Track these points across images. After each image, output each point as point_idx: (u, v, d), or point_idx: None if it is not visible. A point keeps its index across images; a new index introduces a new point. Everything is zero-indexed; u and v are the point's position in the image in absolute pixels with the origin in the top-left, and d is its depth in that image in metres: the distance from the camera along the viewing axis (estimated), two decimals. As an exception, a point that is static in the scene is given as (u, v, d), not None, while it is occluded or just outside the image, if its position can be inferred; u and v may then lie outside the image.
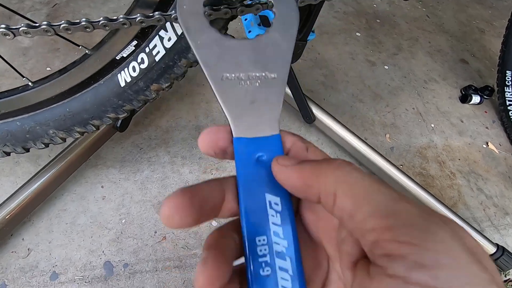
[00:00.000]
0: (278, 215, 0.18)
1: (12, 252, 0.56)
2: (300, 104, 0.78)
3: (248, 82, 0.20)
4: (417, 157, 0.88)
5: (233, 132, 0.19)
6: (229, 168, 0.74)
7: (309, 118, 0.80)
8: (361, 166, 0.81)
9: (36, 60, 0.85)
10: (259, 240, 0.17)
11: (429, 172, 0.85)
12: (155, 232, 0.62)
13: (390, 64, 1.11)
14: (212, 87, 0.20)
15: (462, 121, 1.01)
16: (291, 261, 0.17)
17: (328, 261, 0.18)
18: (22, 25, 0.28)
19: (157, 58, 0.33)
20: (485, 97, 1.05)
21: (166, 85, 0.35)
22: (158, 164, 0.72)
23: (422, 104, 1.02)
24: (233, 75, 0.20)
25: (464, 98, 1.05)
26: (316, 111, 0.79)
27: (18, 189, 0.58)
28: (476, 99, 1.04)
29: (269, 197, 0.18)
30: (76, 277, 0.55)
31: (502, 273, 0.70)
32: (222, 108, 0.20)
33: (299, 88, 0.75)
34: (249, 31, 0.56)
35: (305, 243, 0.18)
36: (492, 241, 0.73)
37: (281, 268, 0.16)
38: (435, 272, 0.12)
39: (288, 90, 0.79)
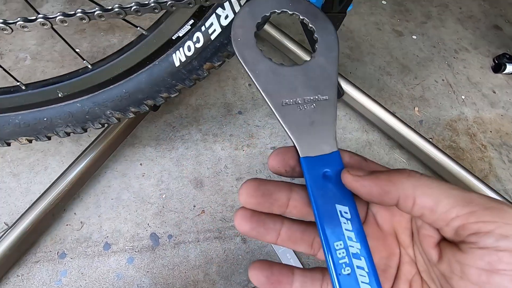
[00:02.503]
0: (349, 222, 0.20)
1: (67, 225, 0.61)
2: (329, 78, 0.77)
3: (305, 105, 0.23)
4: (447, 130, 0.87)
5: (299, 152, 0.22)
6: (259, 145, 0.76)
7: (338, 93, 0.79)
8: (391, 140, 0.81)
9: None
10: (337, 245, 0.20)
11: (459, 145, 0.84)
12: (194, 206, 0.66)
13: (418, 33, 1.07)
14: (275, 112, 0.22)
15: (495, 92, 0.97)
16: (365, 260, 0.20)
17: (399, 248, 0.21)
18: (97, 8, 0.29)
19: (212, 37, 0.33)
20: (520, 65, 1.00)
21: (219, 63, 0.35)
22: (191, 141, 0.74)
23: (452, 75, 0.99)
24: (291, 100, 0.22)
25: (498, 68, 1.01)
26: (345, 85, 0.78)
27: (67, 168, 0.61)
28: (510, 68, 0.99)
29: (339, 207, 0.21)
30: (126, 247, 0.60)
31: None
32: (286, 131, 0.22)
33: (328, 62, 0.74)
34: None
35: (377, 236, 0.22)
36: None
37: (358, 267, 0.20)
38: None
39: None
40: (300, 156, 0.21)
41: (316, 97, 0.23)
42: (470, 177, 0.71)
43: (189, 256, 0.61)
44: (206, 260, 0.61)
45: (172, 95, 0.39)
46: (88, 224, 0.61)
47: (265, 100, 0.22)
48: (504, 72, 1.00)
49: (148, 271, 0.58)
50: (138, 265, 0.59)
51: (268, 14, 0.24)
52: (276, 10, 0.24)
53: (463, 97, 0.94)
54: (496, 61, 1.03)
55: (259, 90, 0.22)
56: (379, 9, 1.11)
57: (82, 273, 0.57)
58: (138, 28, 0.36)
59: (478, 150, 0.84)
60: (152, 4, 0.29)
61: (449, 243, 0.19)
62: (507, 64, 0.99)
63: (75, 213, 0.63)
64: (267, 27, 0.85)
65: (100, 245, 0.60)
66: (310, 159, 0.21)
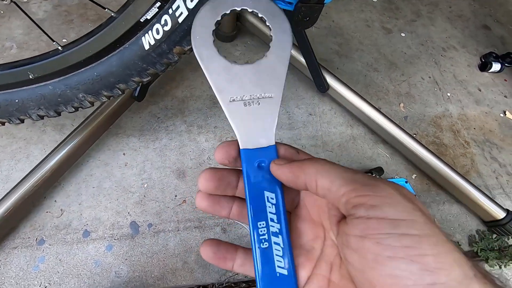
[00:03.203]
0: (273, 206, 0.24)
1: (47, 212, 0.61)
2: (314, 73, 0.78)
3: (251, 102, 0.24)
4: (431, 126, 0.87)
5: (240, 145, 0.24)
6: (243, 137, 0.76)
7: (322, 87, 0.80)
8: (374, 135, 0.82)
9: (51, 31, 0.86)
10: (260, 224, 0.24)
11: (442, 141, 0.85)
12: (175, 196, 0.66)
13: (407, 31, 1.07)
14: (223, 107, 0.24)
15: (480, 90, 0.98)
16: (282, 238, 0.24)
17: (324, 232, 0.24)
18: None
19: (180, 20, 0.33)
20: (506, 64, 1.01)
21: (188, 47, 0.36)
22: (175, 132, 0.74)
23: (439, 73, 1.00)
24: (239, 97, 0.24)
25: (484, 66, 1.02)
26: (330, 80, 0.79)
27: (48, 155, 0.61)
28: (496, 66, 1.00)
29: (267, 194, 0.24)
30: (105, 234, 0.60)
31: (510, 237, 0.72)
32: (231, 125, 0.24)
33: (313, 57, 0.75)
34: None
35: (308, 220, 0.25)
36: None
37: (275, 243, 0.24)
38: (382, 208, 0.19)
39: (302, 59, 0.79)
40: (240, 148, 0.24)
41: (262, 94, 0.25)
42: (451, 172, 0.72)
43: (168, 245, 0.61)
44: (185, 248, 0.61)
45: (144, 80, 0.39)
46: (68, 212, 0.62)
47: (215, 96, 0.24)
48: (490, 71, 1.02)
49: (126, 259, 0.59)
50: (116, 252, 0.59)
51: (228, 12, 0.24)
52: (236, 8, 0.24)
53: (448, 94, 0.95)
54: (483, 60, 1.04)
55: (212, 86, 0.24)
56: (369, 7, 1.11)
57: (60, 260, 0.57)
58: (106, 9, 0.36)
59: (461, 146, 0.85)
60: None
61: (344, 219, 0.21)
62: (493, 63, 1.00)
63: (55, 201, 0.63)
64: (256, 21, 0.85)
65: (80, 233, 0.60)
66: (248, 151, 0.24)
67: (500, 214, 0.69)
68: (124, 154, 0.70)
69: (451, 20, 1.15)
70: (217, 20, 0.24)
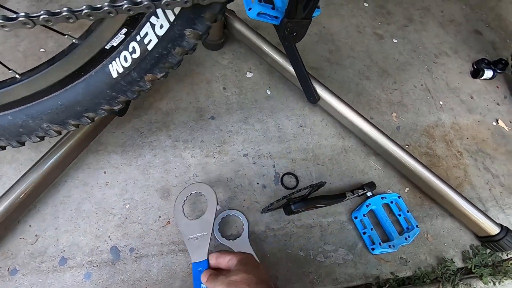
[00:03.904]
0: None
1: (21, 238, 0.58)
2: (304, 84, 0.75)
3: (198, 238, 0.52)
4: (423, 136, 0.86)
5: (192, 259, 0.50)
6: (231, 152, 0.73)
7: (313, 98, 0.77)
8: (367, 147, 0.79)
9: (29, 41, 0.82)
10: None
11: (435, 152, 0.84)
12: (159, 217, 0.63)
13: (399, 37, 1.05)
14: (184, 241, 0.52)
15: (473, 98, 0.97)
16: None
17: None
18: (-1, 18, 0.26)
19: (149, 47, 0.30)
20: (498, 71, 1.00)
21: (161, 75, 0.33)
22: (160, 148, 0.71)
23: (431, 80, 0.98)
24: (192, 236, 0.52)
25: (476, 73, 1.00)
26: (320, 91, 0.76)
27: (22, 176, 0.57)
28: (488, 73, 0.99)
29: (203, 285, 0.46)
30: (84, 261, 0.57)
31: (504, 252, 0.71)
32: (187, 248, 0.52)
33: (303, 68, 0.72)
34: (250, 8, 0.52)
35: None
36: (496, 221, 0.73)
37: None
38: None
39: (291, 69, 0.76)
40: (192, 261, 0.50)
41: (201, 234, 0.52)
42: (443, 186, 0.70)
43: (151, 271, 0.58)
44: (169, 274, 0.58)
45: (115, 107, 0.36)
46: (43, 237, 0.58)
47: (181, 233, 0.53)
48: (482, 78, 1.00)
49: (106, 287, 0.55)
50: (96, 281, 0.56)
51: (189, 195, 0.56)
52: (192, 193, 0.56)
53: (441, 102, 0.94)
54: (475, 66, 1.03)
55: (180, 231, 0.53)
56: (360, 11, 1.09)
57: (34, 291, 0.54)
58: (66, 36, 0.32)
59: (454, 157, 0.84)
60: (65, 13, 0.26)
61: None
62: (485, 70, 0.99)
63: (30, 225, 0.59)
64: (244, 29, 0.82)
65: (56, 260, 0.56)
66: (195, 263, 0.50)
67: (494, 230, 0.67)
68: (105, 172, 0.66)
69: (443, 25, 1.14)
70: (184, 200, 0.56)
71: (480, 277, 0.66)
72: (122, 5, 0.25)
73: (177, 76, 0.82)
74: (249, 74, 0.86)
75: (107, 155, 0.68)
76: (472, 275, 0.67)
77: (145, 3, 0.25)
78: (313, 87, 0.75)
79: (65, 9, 0.27)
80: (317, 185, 0.61)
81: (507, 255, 0.72)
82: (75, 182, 0.64)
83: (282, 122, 0.80)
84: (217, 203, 0.53)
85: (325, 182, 0.65)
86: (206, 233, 0.51)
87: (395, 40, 1.04)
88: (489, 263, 0.68)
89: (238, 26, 0.83)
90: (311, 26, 1.03)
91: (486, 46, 1.12)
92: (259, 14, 0.52)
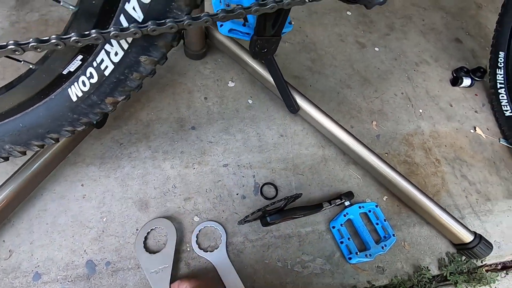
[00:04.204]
0: None
1: (-6, 254, 0.57)
2: (284, 94, 0.76)
3: (159, 271, 0.56)
4: (403, 145, 0.87)
5: None
6: (211, 163, 0.73)
7: (293, 108, 0.78)
8: (346, 156, 0.80)
9: None
10: None
11: (414, 160, 0.85)
12: (137, 230, 0.63)
13: (381, 45, 1.07)
14: (146, 276, 0.56)
15: (452, 105, 0.99)
16: None
17: None
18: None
19: (106, 73, 0.31)
20: (476, 79, 1.03)
21: (122, 97, 0.33)
22: (139, 159, 0.71)
23: (411, 88, 1.00)
24: (154, 270, 0.57)
25: (455, 81, 1.03)
26: (300, 101, 0.77)
27: (-5, 191, 0.57)
28: (467, 81, 1.01)
29: None
30: (58, 276, 0.57)
31: (479, 259, 0.72)
32: (149, 282, 0.56)
33: (281, 79, 0.73)
34: (221, 25, 0.52)
35: None
36: (472, 228, 0.75)
37: None
38: None
39: (272, 80, 0.77)
40: None
41: (163, 266, 0.57)
42: (420, 195, 0.71)
43: (128, 285, 0.58)
44: (145, 288, 0.58)
45: (78, 128, 0.36)
46: (17, 253, 0.57)
47: (142, 268, 0.57)
48: (461, 86, 1.02)
49: (81, 303, 0.55)
50: (70, 296, 0.55)
51: (149, 231, 0.61)
52: (152, 229, 0.62)
53: (420, 110, 0.95)
54: (454, 75, 1.05)
55: (141, 266, 0.57)
56: (343, 20, 1.11)
57: (7, 307, 0.53)
58: (22, 62, 0.33)
59: (432, 165, 0.85)
60: (12, 46, 0.27)
61: None
62: (463, 78, 1.01)
63: (3, 241, 0.58)
64: (225, 39, 0.83)
65: (29, 276, 0.56)
66: None
67: (468, 237, 0.69)
68: (82, 185, 0.66)
69: (424, 34, 1.16)
70: (145, 237, 0.60)
71: (455, 284, 0.68)
72: (70, 37, 0.26)
73: (159, 86, 0.82)
74: (231, 84, 0.86)
75: (85, 167, 0.68)
76: (447, 282, 0.68)
77: (93, 35, 0.26)
78: (292, 98, 0.76)
79: (11, 42, 0.27)
80: (292, 197, 0.62)
81: (481, 262, 0.73)
82: (51, 195, 0.64)
83: (263, 131, 0.81)
84: (177, 236, 0.59)
85: (301, 194, 0.66)
86: (167, 265, 0.56)
87: (377, 49, 1.06)
88: (464, 270, 0.70)
89: (220, 36, 0.84)
90: (294, 35, 1.04)
91: (466, 54, 1.15)
92: (230, 30, 0.53)
